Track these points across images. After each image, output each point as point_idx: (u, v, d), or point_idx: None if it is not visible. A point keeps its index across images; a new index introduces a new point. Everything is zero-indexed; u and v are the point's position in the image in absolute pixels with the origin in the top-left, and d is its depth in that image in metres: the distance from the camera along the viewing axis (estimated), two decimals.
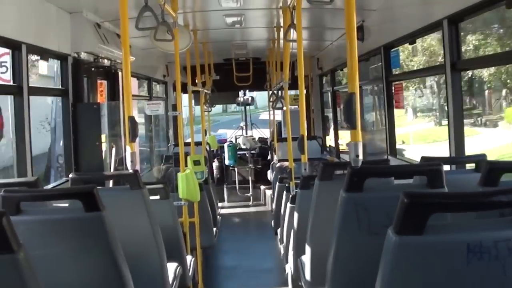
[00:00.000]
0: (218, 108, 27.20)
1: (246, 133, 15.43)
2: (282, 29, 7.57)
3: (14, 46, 4.99)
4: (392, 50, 6.98)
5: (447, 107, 5.25)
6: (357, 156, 2.96)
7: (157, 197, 4.70)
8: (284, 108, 8.87)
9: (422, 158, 4.03)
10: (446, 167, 4.71)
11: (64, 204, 3.61)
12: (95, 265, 2.91)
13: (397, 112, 7.23)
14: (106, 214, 2.88)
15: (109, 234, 2.88)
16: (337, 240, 3.01)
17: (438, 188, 2.88)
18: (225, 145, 13.37)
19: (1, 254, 1.81)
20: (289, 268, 5.57)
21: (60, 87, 6.20)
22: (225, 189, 13.56)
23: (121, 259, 2.98)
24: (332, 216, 3.10)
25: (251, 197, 13.35)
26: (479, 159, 3.96)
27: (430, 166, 2.98)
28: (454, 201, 1.92)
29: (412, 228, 1.86)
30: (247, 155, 13.60)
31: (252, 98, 15.14)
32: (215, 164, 13.13)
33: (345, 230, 2.97)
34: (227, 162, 13.20)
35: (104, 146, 6.66)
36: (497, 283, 1.91)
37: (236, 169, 13.56)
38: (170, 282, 4.23)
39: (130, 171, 4.16)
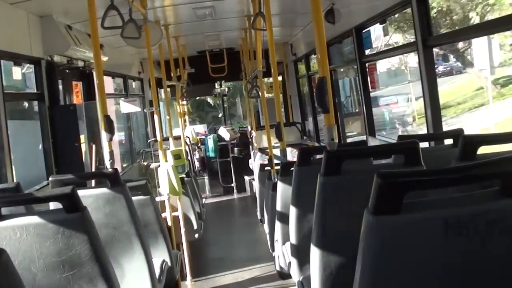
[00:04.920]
0: None
1: (225, 124, 15.41)
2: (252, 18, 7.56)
3: None
4: (364, 30, 7.01)
5: (421, 84, 5.27)
6: (332, 139, 2.97)
7: (139, 193, 4.71)
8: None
9: (399, 137, 4.05)
10: (425, 144, 4.76)
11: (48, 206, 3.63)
12: (80, 265, 2.92)
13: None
14: (87, 213, 2.88)
15: (91, 234, 2.88)
16: (318, 225, 3.02)
17: (415, 166, 2.88)
18: (206, 138, 13.35)
19: None
20: (276, 256, 5.59)
21: (35, 91, 6.17)
22: (207, 181, 13.55)
23: (104, 257, 2.99)
24: (313, 201, 3.11)
25: (234, 187, 13.37)
26: (456, 134, 3.96)
27: (406, 144, 2.99)
28: (428, 177, 1.92)
29: (389, 208, 1.86)
30: (228, 146, 13.59)
31: (229, 88, 15.12)
32: (196, 156, 13.11)
33: (326, 214, 2.98)
34: (208, 154, 13.20)
35: (83, 147, 6.64)
36: (477, 257, 1.89)
37: (218, 160, 13.55)
38: (157, 276, 4.25)
39: (110, 169, 4.17)
